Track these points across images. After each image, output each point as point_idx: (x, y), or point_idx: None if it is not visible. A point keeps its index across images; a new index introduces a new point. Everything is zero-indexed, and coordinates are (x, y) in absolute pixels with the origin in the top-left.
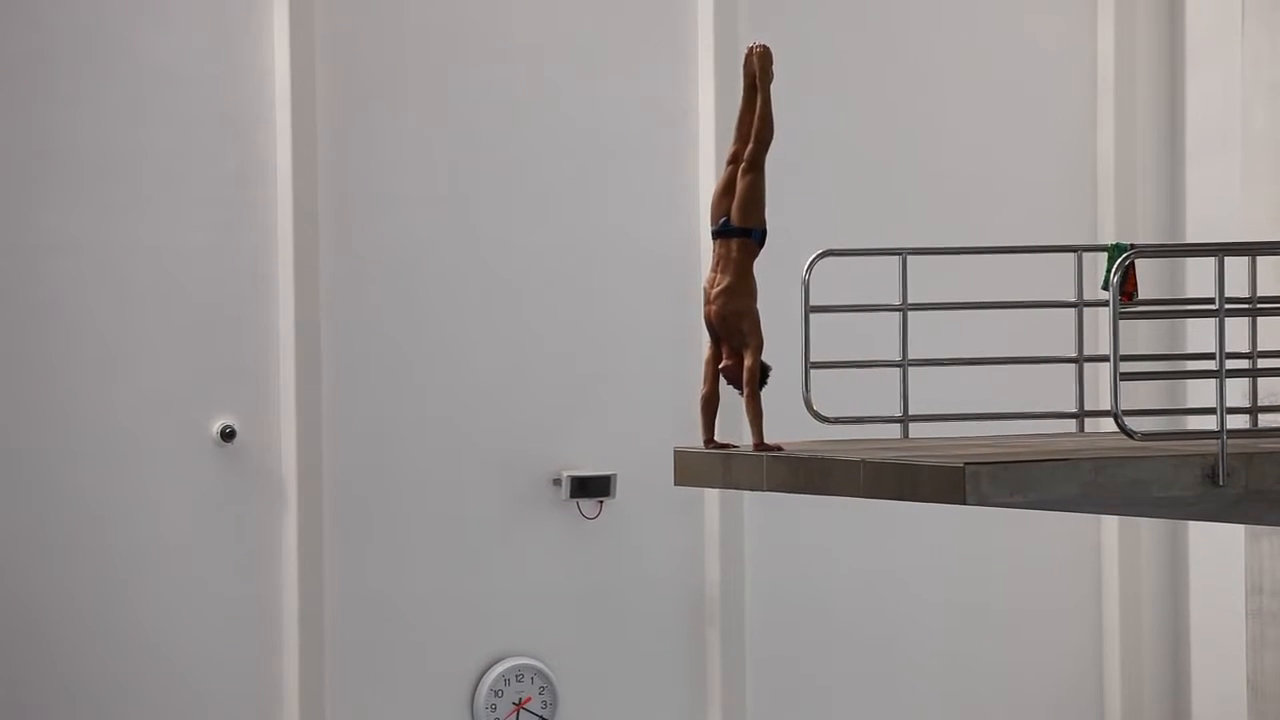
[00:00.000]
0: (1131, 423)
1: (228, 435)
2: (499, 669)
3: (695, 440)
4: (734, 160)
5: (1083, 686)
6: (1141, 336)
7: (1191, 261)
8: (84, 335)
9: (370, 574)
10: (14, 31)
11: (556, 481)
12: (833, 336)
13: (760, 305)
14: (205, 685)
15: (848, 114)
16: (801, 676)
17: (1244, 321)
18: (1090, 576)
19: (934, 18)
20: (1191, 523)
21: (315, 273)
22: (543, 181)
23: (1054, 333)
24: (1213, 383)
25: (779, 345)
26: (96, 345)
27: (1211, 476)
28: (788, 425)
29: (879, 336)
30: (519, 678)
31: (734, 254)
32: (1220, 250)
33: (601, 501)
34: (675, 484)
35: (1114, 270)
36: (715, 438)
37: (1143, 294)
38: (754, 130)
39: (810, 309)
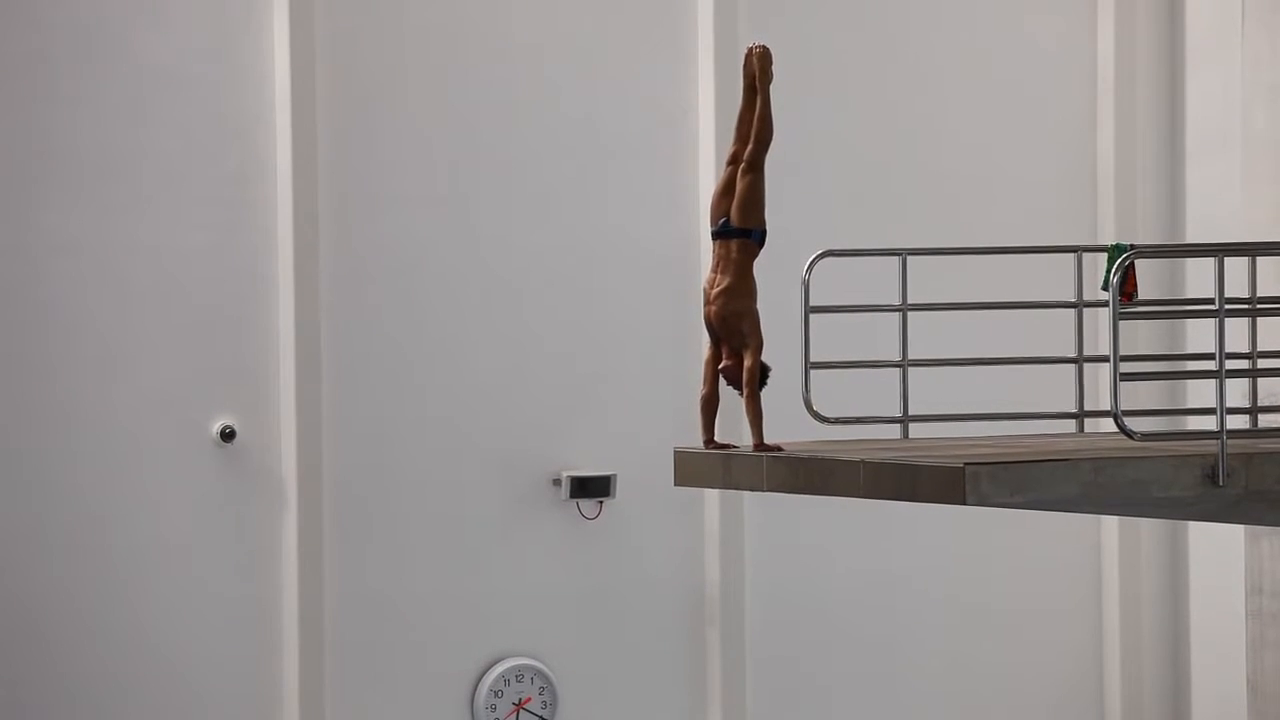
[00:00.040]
0: (1131, 423)
1: (228, 435)
2: (499, 669)
3: (695, 440)
4: (734, 161)
5: (1083, 687)
6: (1141, 337)
7: (1191, 262)
8: (84, 335)
9: (370, 574)
10: (14, 31)
11: (556, 482)
12: (833, 337)
13: (760, 306)
14: (205, 685)
15: (847, 114)
16: (801, 677)
17: (1244, 322)
18: (1090, 577)
19: (934, 18)
20: (1191, 523)
21: (315, 273)
22: (543, 181)
23: (1054, 333)
24: (1212, 383)
25: (779, 346)
26: (96, 345)
27: (1211, 477)
28: (788, 425)
29: (879, 337)
30: (519, 678)
31: (734, 254)
32: (1220, 251)
33: (601, 502)
34: (675, 484)
35: (1114, 271)
36: (715, 438)
37: (1143, 294)
38: (754, 131)
39: (810, 309)
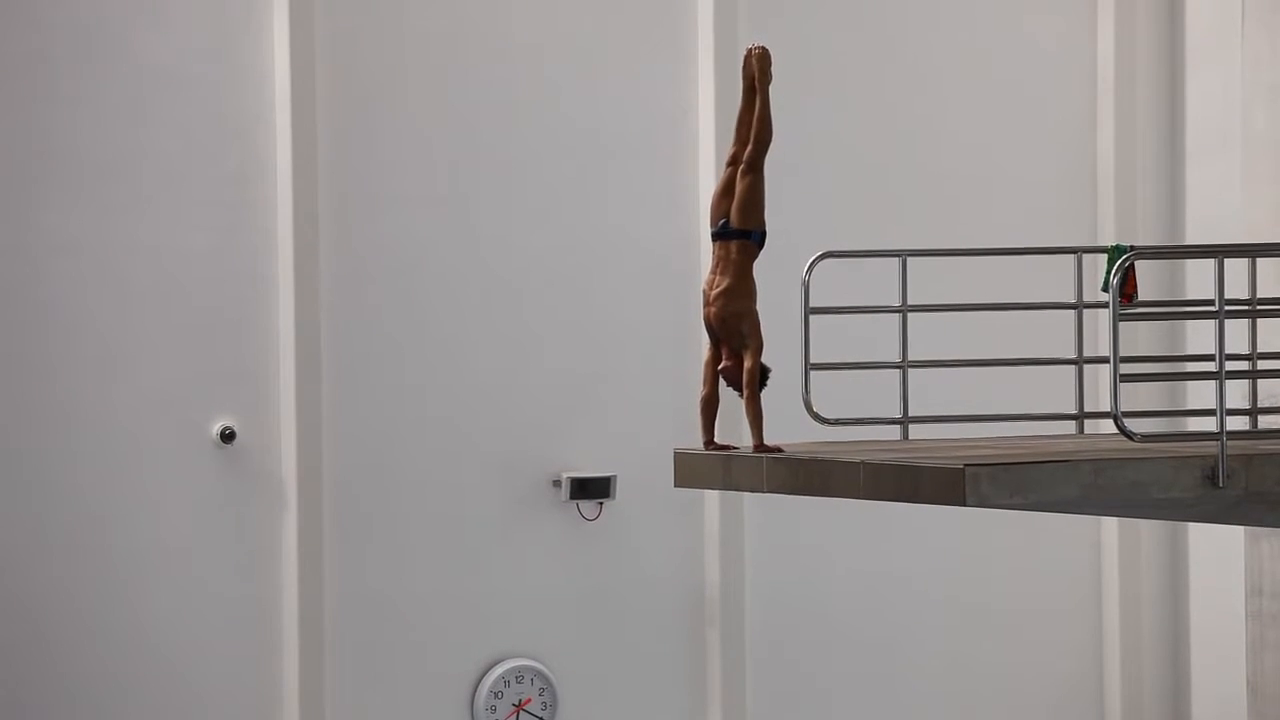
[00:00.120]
0: (1131, 424)
1: (228, 436)
2: (499, 670)
3: (695, 442)
4: (733, 162)
5: (1083, 688)
6: (1141, 338)
7: (1191, 263)
8: (84, 336)
9: (370, 575)
10: (14, 31)
11: (556, 483)
12: (833, 338)
13: (760, 307)
14: (205, 685)
15: (847, 115)
16: (801, 677)
17: (1244, 323)
18: (1090, 577)
19: (934, 18)
20: (1191, 524)
21: (315, 273)
22: (543, 181)
23: (1054, 334)
24: (1212, 384)
25: (779, 347)
26: (96, 346)
27: (1211, 478)
28: (788, 426)
29: (879, 338)
30: (519, 679)
31: (733, 256)
32: (1220, 252)
33: (601, 503)
34: (675, 485)
35: (1114, 272)
36: (715, 439)
37: (1142, 295)
38: (753, 132)
39: (810, 310)
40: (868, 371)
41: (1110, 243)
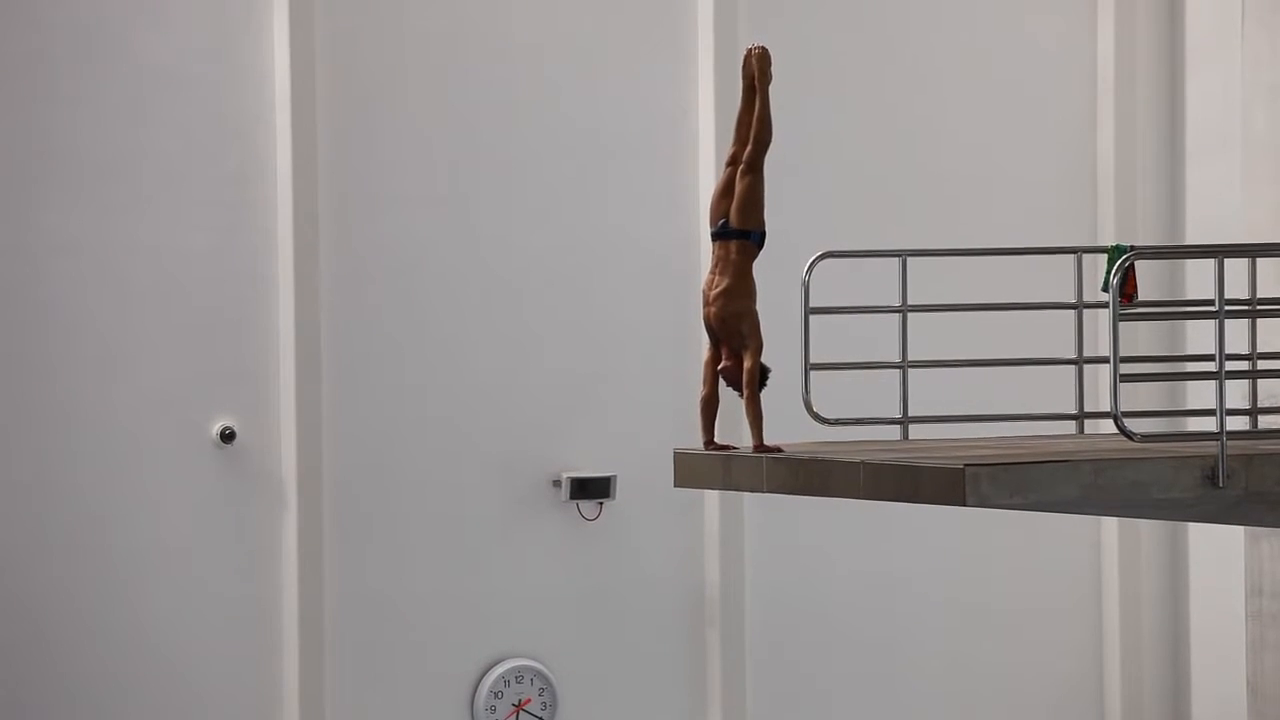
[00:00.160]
0: (1131, 424)
1: (228, 437)
2: (499, 670)
3: (695, 442)
4: (733, 162)
5: (1083, 688)
6: (1141, 338)
7: (1191, 263)
8: (84, 336)
9: (370, 575)
10: (14, 31)
11: (556, 483)
12: (833, 338)
13: (760, 307)
14: (205, 686)
15: (847, 115)
16: (801, 677)
17: (1244, 323)
18: (1090, 577)
19: (934, 18)
20: (1191, 524)
21: (315, 274)
22: (543, 181)
23: (1054, 334)
24: (1212, 384)
25: (779, 347)
26: (96, 346)
27: (1211, 478)
28: (787, 427)
29: (879, 338)
30: (519, 679)
31: (733, 256)
32: (1220, 252)
33: (601, 503)
34: (675, 485)
35: (1114, 272)
36: (715, 439)
37: (1142, 295)
38: (753, 132)
39: (810, 310)
40: (868, 371)
41: (1110, 243)
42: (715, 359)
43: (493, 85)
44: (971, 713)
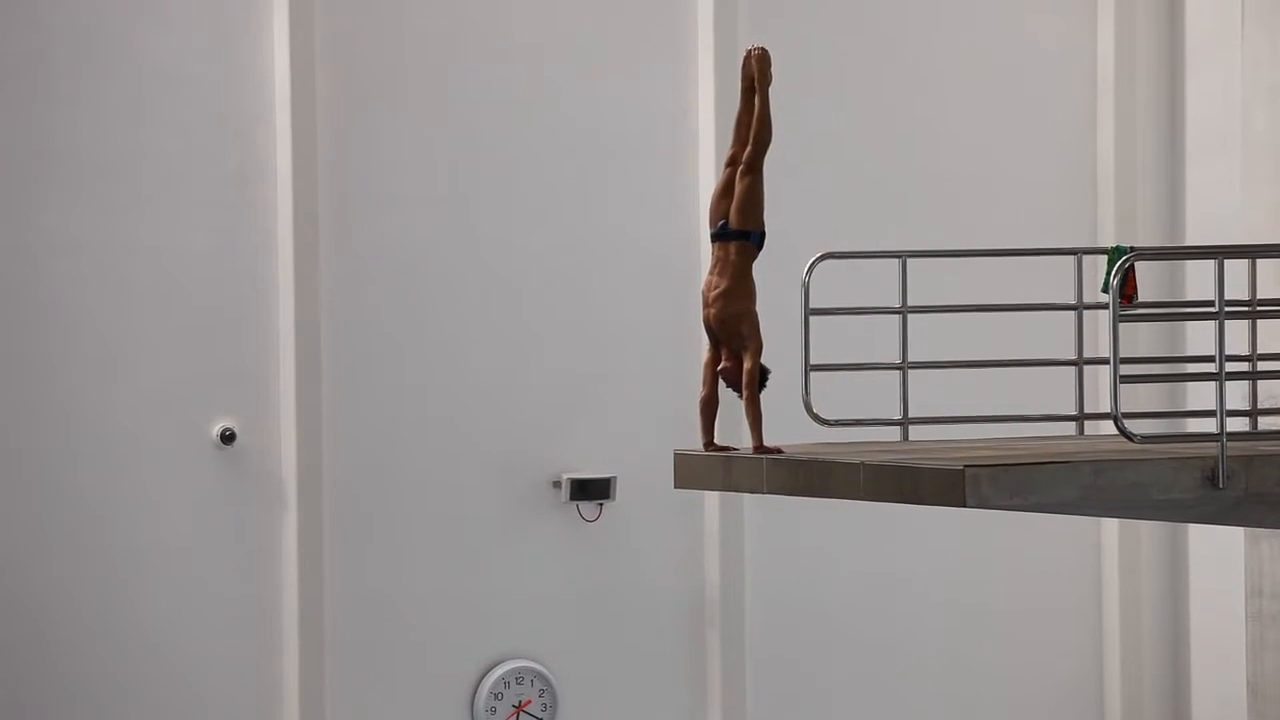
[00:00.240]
0: (1131, 425)
1: (228, 437)
2: (499, 671)
3: (695, 443)
4: (732, 162)
5: (1083, 688)
6: (1141, 339)
7: (1191, 264)
8: (84, 336)
9: (370, 576)
10: (14, 32)
11: (556, 484)
12: (833, 339)
13: (760, 308)
14: (205, 686)
15: (847, 116)
16: (802, 678)
17: (1244, 324)
18: (1090, 578)
19: (934, 18)
20: (1191, 525)
21: (315, 274)
22: (543, 181)
23: (1054, 335)
24: (1212, 385)
25: (779, 348)
26: (96, 346)
27: (1211, 479)
28: (787, 428)
29: (879, 339)
30: (519, 680)
31: (732, 257)
32: (1220, 253)
33: (601, 504)
34: (675, 487)
35: (1114, 273)
36: (715, 440)
37: (1142, 296)
38: (752, 132)
39: (810, 311)
40: (868, 373)
41: (1110, 243)
42: (715, 360)
43: (493, 85)
44: (971, 713)
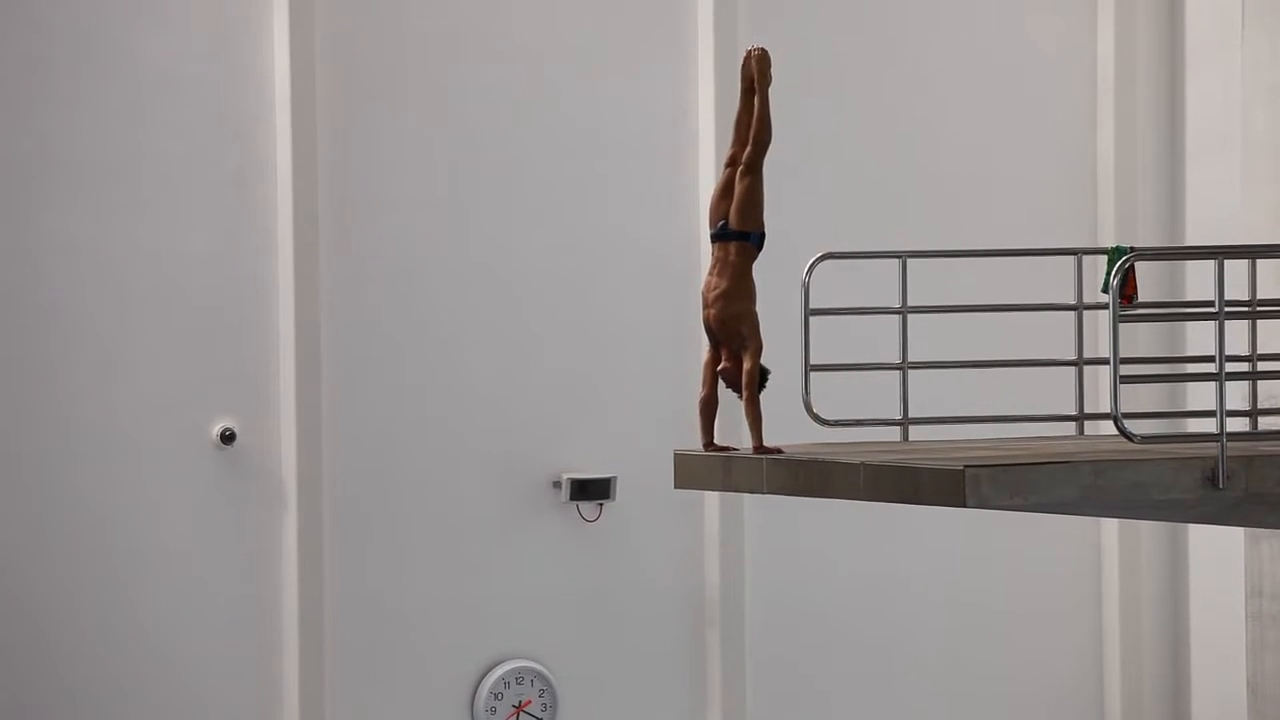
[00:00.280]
0: (1131, 425)
1: (228, 438)
2: (499, 671)
3: (695, 443)
4: (732, 163)
5: (1083, 688)
6: (1141, 339)
7: (1191, 264)
8: (84, 338)
9: (370, 576)
10: (13, 33)
11: (556, 484)
12: (833, 339)
13: (760, 308)
14: (205, 687)
15: (847, 116)
16: (802, 678)
17: (1244, 324)
18: (1090, 578)
19: (934, 19)
20: (1191, 525)
21: (315, 275)
22: (543, 182)
23: (1054, 335)
24: (1212, 385)
25: (779, 348)
26: (96, 348)
27: (1211, 479)
28: (787, 428)
29: (879, 339)
30: (519, 680)
31: (732, 257)
32: (1220, 253)
33: (601, 504)
34: (675, 487)
35: (1114, 273)
36: (715, 440)
37: (1142, 296)
38: (752, 133)
39: (810, 312)
40: (868, 373)
41: (1110, 244)
42: (715, 360)
43: (493, 85)
44: (971, 713)
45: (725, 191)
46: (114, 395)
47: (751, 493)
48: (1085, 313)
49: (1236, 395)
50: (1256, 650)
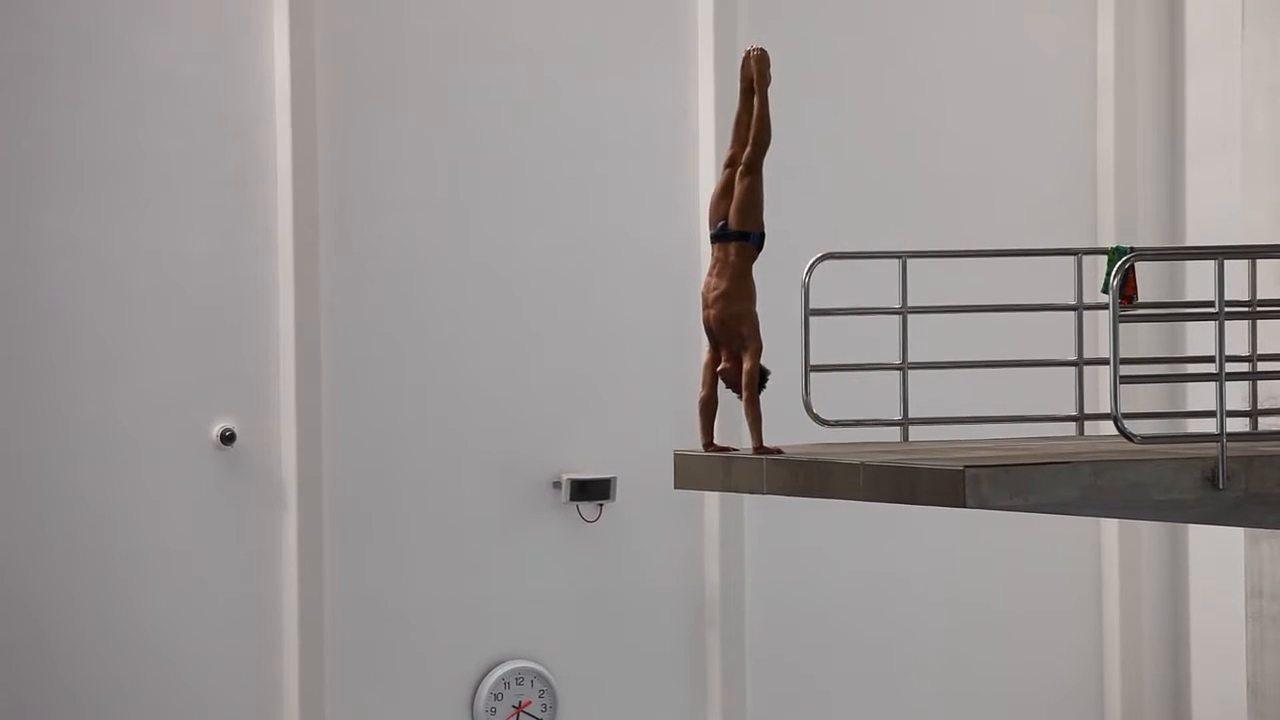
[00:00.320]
0: (1131, 426)
1: (228, 438)
2: (499, 672)
3: (695, 443)
4: (732, 163)
5: (1083, 689)
6: (1141, 339)
7: (1191, 264)
8: (84, 338)
9: (370, 576)
10: (13, 34)
11: (556, 484)
12: (833, 339)
13: (760, 308)
14: (205, 687)
15: (847, 116)
16: (801, 678)
17: (1244, 324)
18: (1090, 578)
19: (934, 19)
20: (1191, 525)
21: (315, 275)
22: (543, 182)
23: (1054, 336)
24: (1212, 386)
25: (779, 348)
26: (96, 348)
27: (1211, 480)
28: (787, 428)
29: (879, 339)
30: (519, 681)
31: (732, 258)
32: (1220, 253)
33: (601, 504)
34: (675, 487)
35: (1114, 273)
36: (715, 441)
37: (1142, 297)
38: (752, 133)
39: (810, 312)
40: (868, 373)
41: (1110, 244)
42: (715, 361)
43: (493, 85)
44: (971, 713)
45: (725, 192)
46: (114, 395)
47: (751, 493)
48: (1085, 313)
49: (1236, 395)
50: (1256, 650)
